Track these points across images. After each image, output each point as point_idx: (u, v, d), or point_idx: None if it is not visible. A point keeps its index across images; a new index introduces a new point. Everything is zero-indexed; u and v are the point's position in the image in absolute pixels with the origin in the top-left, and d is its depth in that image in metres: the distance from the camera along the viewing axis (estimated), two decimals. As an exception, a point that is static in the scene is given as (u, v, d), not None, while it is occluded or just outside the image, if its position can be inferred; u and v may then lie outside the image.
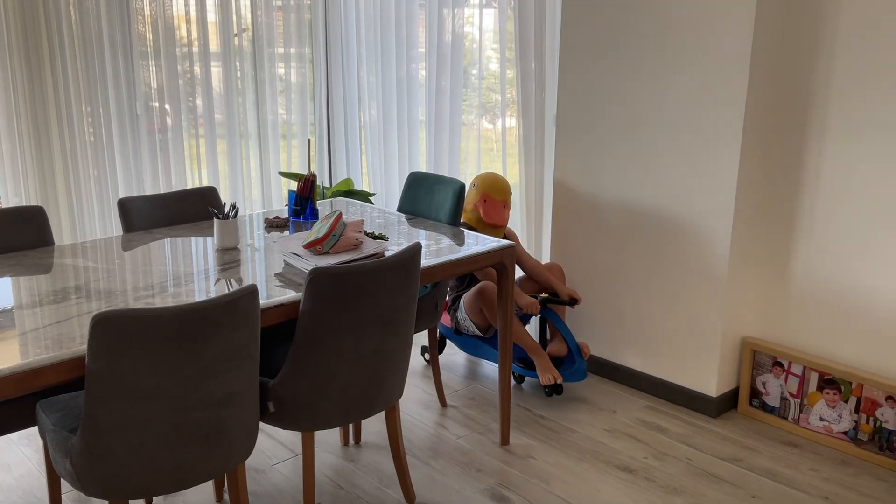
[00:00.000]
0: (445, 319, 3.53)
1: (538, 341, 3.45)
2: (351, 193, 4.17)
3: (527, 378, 3.50)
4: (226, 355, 1.88)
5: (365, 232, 2.67)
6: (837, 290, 2.93)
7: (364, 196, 4.19)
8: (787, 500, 2.61)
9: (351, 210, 3.20)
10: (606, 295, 3.44)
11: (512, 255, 2.78)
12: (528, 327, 3.70)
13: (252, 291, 1.90)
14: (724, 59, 2.85)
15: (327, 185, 4.81)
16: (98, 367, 1.75)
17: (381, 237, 2.70)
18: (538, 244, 3.86)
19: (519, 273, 3.76)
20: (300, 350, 2.16)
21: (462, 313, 3.38)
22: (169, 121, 4.06)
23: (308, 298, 2.11)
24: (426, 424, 3.11)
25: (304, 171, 4.50)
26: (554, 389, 3.27)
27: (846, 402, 2.90)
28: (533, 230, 3.85)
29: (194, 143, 4.18)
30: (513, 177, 3.85)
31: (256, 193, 4.49)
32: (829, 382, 2.93)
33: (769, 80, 2.91)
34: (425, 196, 3.26)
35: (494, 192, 3.32)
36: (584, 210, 3.45)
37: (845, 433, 2.91)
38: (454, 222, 3.09)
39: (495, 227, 3.32)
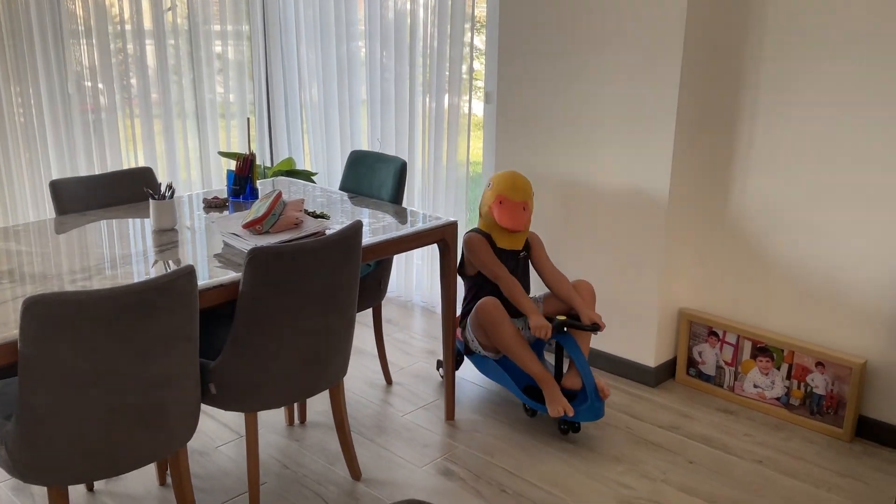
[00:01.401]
0: (458, 333, 3.18)
1: (554, 371, 2.95)
2: (293, 173, 4.13)
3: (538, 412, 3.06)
4: (163, 338, 1.86)
5: (306, 211, 2.65)
6: (768, 261, 3.02)
7: (306, 175, 4.16)
8: (722, 465, 2.71)
9: (293, 189, 3.17)
10: (548, 270, 3.49)
11: (454, 232, 2.80)
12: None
13: (189, 272, 1.88)
14: (657, 43, 2.90)
15: (269, 164, 4.76)
16: (31, 352, 1.71)
17: (322, 216, 2.69)
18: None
19: (544, 289, 3.33)
20: (240, 331, 2.14)
21: (469, 332, 3.02)
22: (103, 100, 3.96)
23: (248, 278, 2.09)
24: (372, 402, 3.13)
25: (244, 151, 4.43)
26: (569, 426, 2.88)
27: (778, 369, 3.00)
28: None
29: (129, 124, 4.08)
30: (462, 154, 3.85)
31: (195, 174, 4.41)
32: (761, 350, 3.04)
33: (702, 63, 2.97)
34: (367, 175, 3.25)
35: (512, 192, 2.91)
36: (526, 187, 3.48)
37: (778, 399, 3.02)
38: (396, 200, 3.10)
39: (513, 231, 2.92)
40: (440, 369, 3.30)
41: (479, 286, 3.02)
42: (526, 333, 3.02)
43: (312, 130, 4.58)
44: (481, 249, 2.92)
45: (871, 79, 2.65)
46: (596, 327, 2.82)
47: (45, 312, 1.68)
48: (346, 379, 3.31)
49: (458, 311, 3.24)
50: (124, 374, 1.82)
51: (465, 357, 3.15)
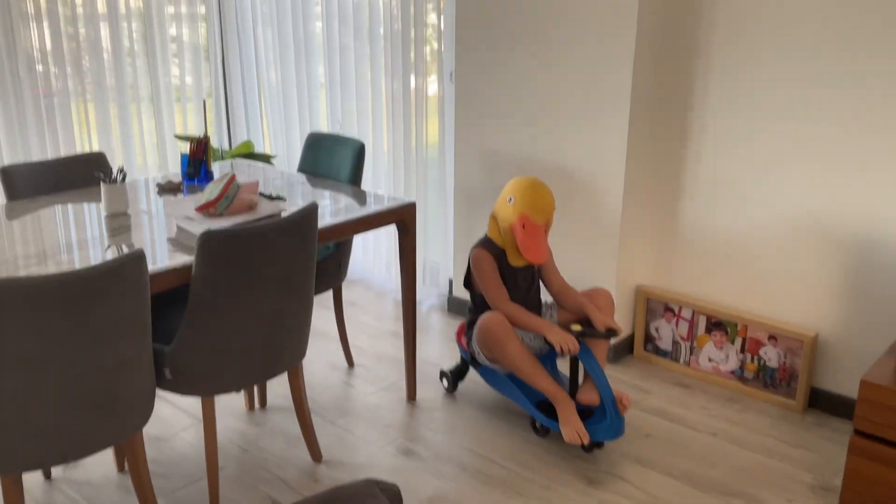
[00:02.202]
0: (464, 344, 2.94)
1: (568, 385, 2.71)
2: (251, 156, 4.09)
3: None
4: (114, 322, 1.84)
5: (261, 193, 2.63)
6: (721, 238, 3.07)
7: (265, 159, 4.12)
8: (678, 437, 2.76)
9: (251, 172, 3.15)
10: (508, 250, 3.50)
11: (412, 213, 2.80)
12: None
13: (138, 257, 1.86)
14: (612, 23, 2.91)
15: (227, 148, 4.71)
16: (-24, 340, 1.69)
17: (279, 198, 2.68)
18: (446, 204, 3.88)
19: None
20: (194, 315, 2.13)
21: (475, 345, 2.79)
22: (56, 84, 3.88)
23: (200, 262, 2.08)
24: (334, 384, 3.13)
25: (201, 134, 4.38)
26: (592, 444, 2.64)
27: (732, 343, 3.06)
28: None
29: (83, 108, 4.01)
30: (427, 136, 3.82)
31: (152, 159, 4.35)
32: (716, 325, 3.09)
33: (656, 41, 2.99)
34: (325, 157, 3.24)
35: (535, 213, 2.60)
36: (484, 168, 3.49)
37: (732, 372, 3.08)
38: (355, 182, 3.09)
39: (534, 263, 2.68)
40: (443, 380, 3.08)
41: (484, 302, 2.79)
42: (534, 345, 2.80)
43: (271, 113, 4.54)
44: (486, 273, 2.68)
45: (821, 61, 2.70)
46: (612, 332, 2.61)
47: (-11, 299, 1.65)
48: (307, 362, 3.31)
49: (465, 320, 2.93)
50: (75, 359, 1.80)
51: (472, 368, 2.96)
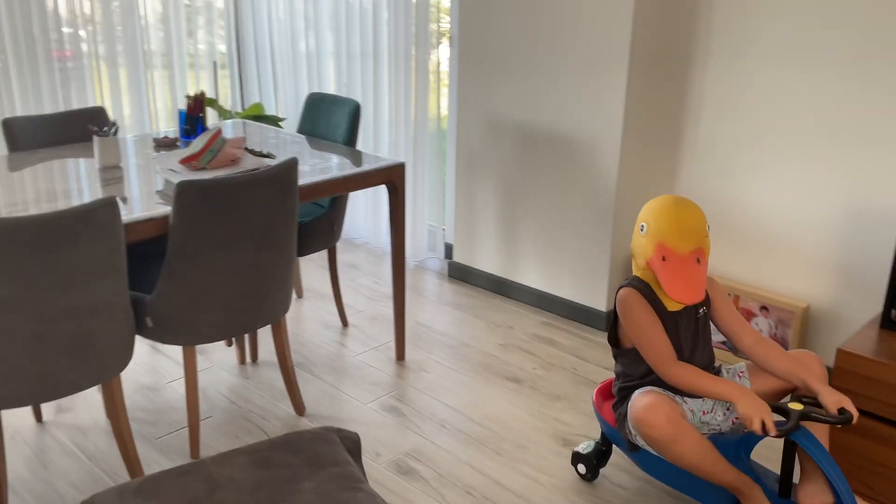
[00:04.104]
0: (610, 418, 2.21)
1: (779, 483, 1.98)
2: (260, 118, 4.13)
3: None
4: (86, 267, 1.89)
5: (248, 149, 2.67)
6: (716, 208, 3.03)
7: (273, 120, 4.16)
8: (661, 404, 2.75)
9: (248, 131, 3.18)
10: (506, 216, 3.51)
11: (401, 173, 2.81)
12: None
13: (110, 203, 1.90)
14: (611, -23, 2.88)
15: (239, 110, 4.75)
16: (-51, 277, 1.75)
17: (268, 155, 2.70)
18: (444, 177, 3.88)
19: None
20: (173, 264, 2.18)
21: (631, 427, 2.03)
22: (72, 48, 3.95)
23: (177, 212, 2.12)
24: (325, 343, 3.18)
25: (213, 97, 4.42)
26: None
27: (725, 313, 3.03)
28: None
29: (96, 73, 4.07)
30: (432, 107, 3.83)
31: (163, 125, 4.41)
32: (709, 295, 3.06)
33: (655, 6, 2.95)
34: (323, 117, 3.26)
35: (677, 239, 1.94)
36: (486, 134, 3.48)
37: (723, 343, 3.06)
38: (350, 142, 3.11)
39: (686, 304, 1.93)
40: (578, 466, 2.34)
41: (635, 361, 2.08)
42: (709, 423, 2.07)
43: (282, 78, 4.57)
44: (638, 319, 1.99)
45: (819, 33, 2.64)
46: (847, 418, 1.83)
47: (-40, 237, 1.71)
48: (301, 320, 3.36)
49: (613, 389, 2.20)
50: (48, 300, 1.86)
51: (628, 454, 2.16)
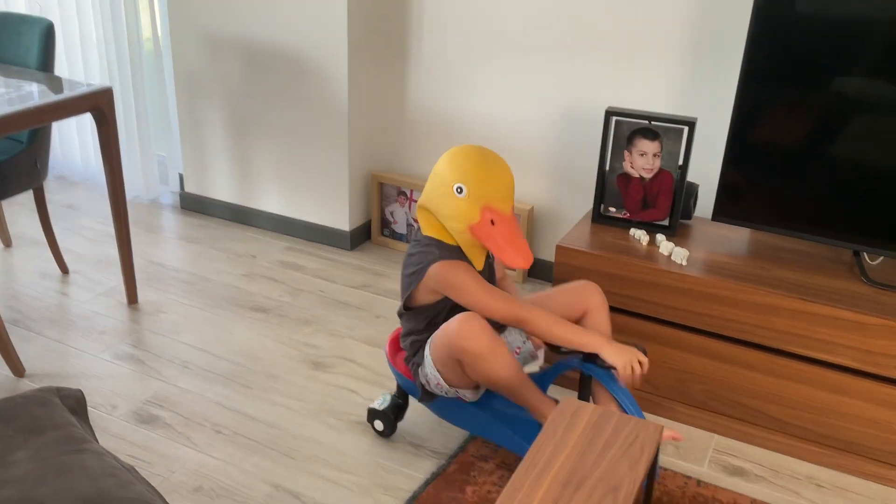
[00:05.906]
0: (404, 370, 2.13)
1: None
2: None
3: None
4: None
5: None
6: (447, 118, 3.10)
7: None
8: (407, 316, 2.82)
9: (-89, 59, 2.69)
10: (238, 139, 3.33)
11: (109, 99, 2.54)
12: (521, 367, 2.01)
13: None
14: None
15: None
16: None
17: (-61, 86, 2.31)
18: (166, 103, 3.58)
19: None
20: None
21: (430, 369, 1.99)
22: None
23: None
24: (43, 294, 2.86)
25: None
26: None
27: (461, 221, 3.14)
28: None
29: None
30: (146, 23, 3.46)
31: None
32: (445, 205, 3.15)
33: None
34: (12, 40, 2.84)
35: (498, 198, 1.84)
36: (205, 52, 3.24)
37: (462, 250, 3.19)
38: (45, 67, 2.74)
39: (519, 269, 1.89)
40: (375, 423, 2.20)
41: (437, 313, 1.99)
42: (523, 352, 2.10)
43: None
44: (472, 282, 1.88)
45: (525, -69, 2.72)
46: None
47: None
48: (13, 272, 2.99)
49: (403, 344, 2.12)
50: None
51: (423, 403, 2.11)
